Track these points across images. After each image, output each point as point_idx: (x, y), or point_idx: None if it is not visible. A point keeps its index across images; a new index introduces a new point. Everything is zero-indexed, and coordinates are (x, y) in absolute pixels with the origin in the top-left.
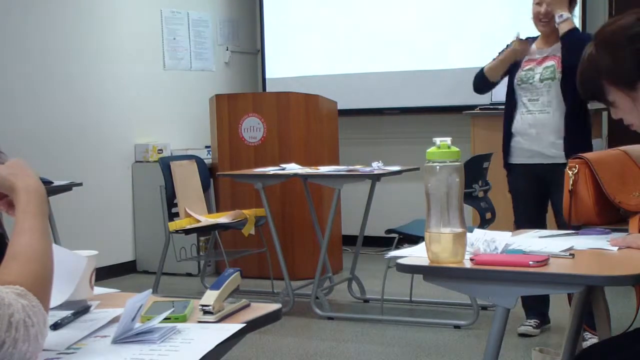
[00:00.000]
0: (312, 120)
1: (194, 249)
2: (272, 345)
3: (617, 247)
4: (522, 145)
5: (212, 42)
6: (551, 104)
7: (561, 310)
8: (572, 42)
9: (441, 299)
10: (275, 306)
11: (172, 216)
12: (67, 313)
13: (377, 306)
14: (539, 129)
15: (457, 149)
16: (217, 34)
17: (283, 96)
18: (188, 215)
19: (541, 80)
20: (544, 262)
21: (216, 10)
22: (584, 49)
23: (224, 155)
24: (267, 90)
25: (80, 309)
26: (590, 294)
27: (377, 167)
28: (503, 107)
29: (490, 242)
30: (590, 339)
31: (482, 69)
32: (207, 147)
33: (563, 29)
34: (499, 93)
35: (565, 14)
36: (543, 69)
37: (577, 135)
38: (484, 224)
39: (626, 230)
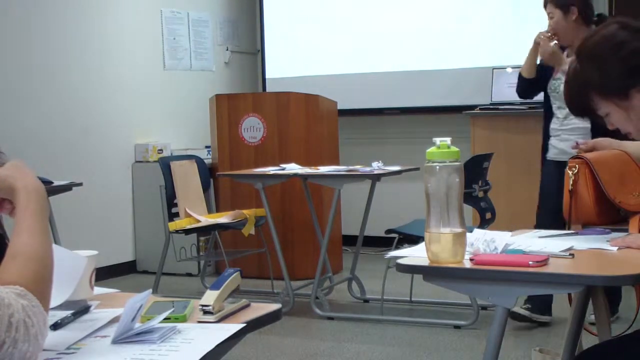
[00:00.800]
0: (312, 120)
1: (194, 249)
2: (272, 345)
3: (617, 247)
4: (553, 144)
5: (212, 42)
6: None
7: (561, 310)
8: None
9: (441, 299)
10: (275, 306)
11: (172, 216)
12: (67, 313)
13: (377, 306)
14: (567, 132)
15: (457, 149)
16: (217, 34)
17: (283, 96)
18: (188, 215)
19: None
20: (544, 262)
21: (216, 10)
22: None
23: (224, 155)
24: (267, 90)
25: (80, 309)
26: (590, 294)
27: (377, 167)
28: (503, 107)
29: (490, 242)
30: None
31: (519, 73)
32: (207, 147)
33: None
34: (499, 93)
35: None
36: None
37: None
38: (484, 224)
39: (626, 230)
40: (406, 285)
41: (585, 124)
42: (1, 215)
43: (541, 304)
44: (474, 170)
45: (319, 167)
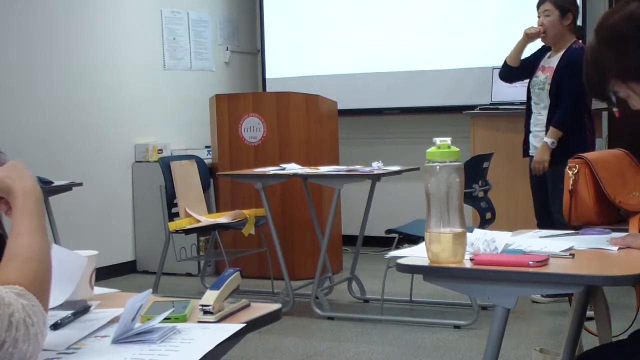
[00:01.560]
0: (312, 120)
1: (194, 249)
2: (272, 345)
3: (617, 247)
4: (531, 141)
5: (212, 42)
6: (546, 109)
7: (561, 310)
8: (568, 63)
9: (441, 299)
10: (275, 306)
11: (172, 216)
12: (67, 313)
13: (377, 306)
14: (537, 127)
15: (457, 149)
16: (217, 34)
17: (283, 96)
18: (188, 215)
19: (539, 88)
20: (544, 262)
21: (216, 10)
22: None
23: (224, 155)
24: (267, 90)
25: (80, 309)
26: (590, 294)
27: (377, 167)
28: (503, 107)
29: (490, 242)
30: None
31: (504, 61)
32: (207, 147)
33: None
34: (499, 93)
35: (550, 140)
36: (544, 78)
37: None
38: (484, 224)
39: (626, 230)
40: (406, 285)
41: (543, 118)
42: (1, 216)
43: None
44: (474, 170)
45: (319, 167)
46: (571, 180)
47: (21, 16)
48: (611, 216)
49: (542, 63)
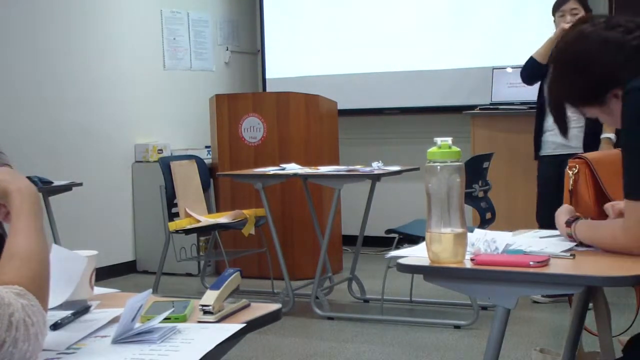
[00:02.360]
0: (312, 120)
1: (194, 249)
2: (272, 345)
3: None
4: (549, 139)
5: (212, 42)
6: None
7: (561, 310)
8: None
9: (441, 299)
10: (275, 306)
11: (172, 216)
12: (67, 313)
13: (377, 306)
14: (574, 124)
15: (458, 149)
16: (217, 34)
17: (283, 96)
18: (188, 215)
19: None
20: (545, 262)
21: (216, 10)
22: None
23: (224, 155)
24: (267, 90)
25: (80, 309)
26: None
27: (377, 167)
28: (503, 107)
29: (490, 242)
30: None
31: (531, 56)
32: (207, 147)
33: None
34: (499, 93)
35: (612, 134)
36: None
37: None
38: (484, 224)
39: None
40: (406, 285)
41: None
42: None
43: None
44: (474, 170)
45: (319, 167)
46: (571, 180)
47: (21, 16)
48: None
49: None
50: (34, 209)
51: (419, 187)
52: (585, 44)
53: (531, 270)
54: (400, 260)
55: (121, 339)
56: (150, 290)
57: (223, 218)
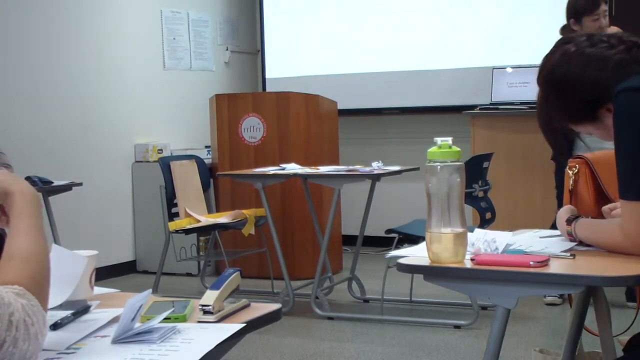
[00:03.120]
0: (312, 120)
1: (194, 249)
2: (272, 345)
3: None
4: (590, 144)
5: (212, 42)
6: None
7: (561, 310)
8: None
9: (441, 299)
10: (275, 306)
11: (172, 216)
12: (67, 313)
13: (377, 306)
14: None
15: (458, 149)
16: (217, 34)
17: (283, 96)
18: (188, 215)
19: None
20: (545, 262)
21: (216, 10)
22: None
23: (224, 155)
24: (267, 90)
25: (80, 309)
26: (590, 294)
27: (377, 167)
28: (503, 107)
29: (490, 242)
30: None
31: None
32: (207, 147)
33: None
34: (499, 93)
35: None
36: None
37: None
38: (484, 224)
39: None
40: (406, 285)
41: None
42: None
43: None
44: (474, 170)
45: (319, 167)
46: (571, 180)
47: (21, 16)
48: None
49: None
50: (35, 210)
51: (419, 187)
52: (571, 64)
53: (531, 270)
54: (400, 260)
55: (121, 339)
56: (150, 290)
57: (223, 218)
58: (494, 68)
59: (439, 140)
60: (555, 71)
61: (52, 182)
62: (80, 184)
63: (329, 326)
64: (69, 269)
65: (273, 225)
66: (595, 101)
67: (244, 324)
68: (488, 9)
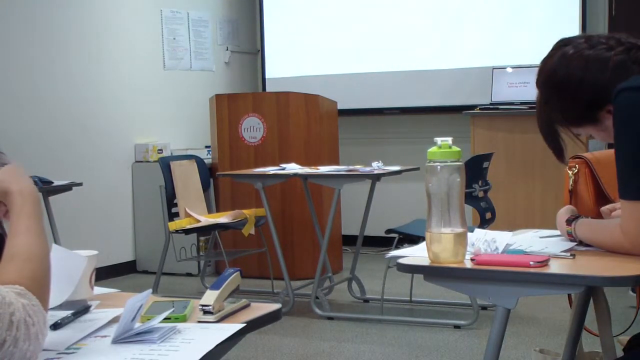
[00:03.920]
0: (312, 120)
1: (194, 249)
2: (272, 345)
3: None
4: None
5: (212, 42)
6: None
7: (561, 310)
8: None
9: (441, 299)
10: (275, 306)
11: (172, 216)
12: (67, 313)
13: (377, 306)
14: None
15: (459, 149)
16: (217, 34)
17: (283, 96)
18: (188, 215)
19: None
20: (545, 262)
21: (216, 10)
22: None
23: (224, 155)
24: (267, 90)
25: (80, 309)
26: (590, 294)
27: (377, 167)
28: (503, 107)
29: (490, 242)
30: None
31: None
32: (207, 147)
33: None
34: (499, 93)
35: None
36: None
37: None
38: (484, 224)
39: None
40: (406, 285)
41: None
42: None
43: None
44: (474, 170)
45: (319, 167)
46: (571, 180)
47: (21, 16)
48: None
49: None
50: (35, 210)
51: (419, 187)
52: (570, 67)
53: (531, 270)
54: (400, 260)
55: (121, 339)
56: (150, 290)
57: (223, 218)
58: (494, 68)
59: (439, 140)
60: (554, 73)
61: (52, 182)
62: (80, 184)
63: (329, 326)
64: (69, 269)
65: (273, 225)
66: (595, 103)
67: (244, 324)
68: (488, 9)
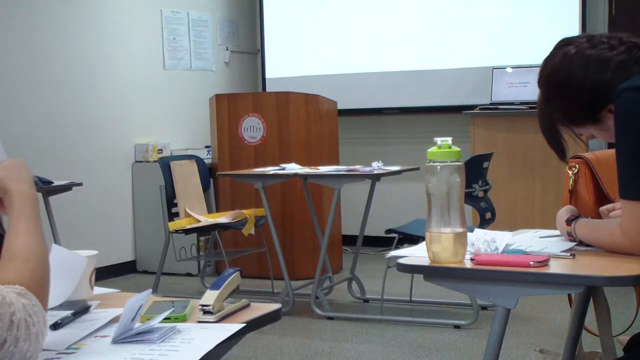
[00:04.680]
0: (312, 120)
1: (194, 249)
2: (272, 345)
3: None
4: None
5: (212, 42)
6: None
7: (561, 310)
8: None
9: (441, 299)
10: (275, 306)
11: (172, 216)
12: (67, 313)
13: (377, 306)
14: None
15: (458, 149)
16: (217, 34)
17: (283, 96)
18: (188, 215)
19: None
20: (545, 262)
21: (216, 10)
22: None
23: (224, 155)
24: (267, 90)
25: (80, 309)
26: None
27: (377, 167)
28: (503, 107)
29: (490, 242)
30: None
31: None
32: (207, 147)
33: None
34: (499, 93)
35: None
36: None
37: None
38: (484, 224)
39: None
40: (406, 285)
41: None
42: (1, 216)
43: None
44: (474, 170)
45: (319, 167)
46: (571, 180)
47: (21, 16)
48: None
49: None
50: (34, 211)
51: (419, 187)
52: (572, 66)
53: (531, 270)
54: (400, 260)
55: (121, 339)
56: (150, 290)
57: (223, 218)
58: (494, 68)
59: (439, 140)
60: (556, 73)
61: (52, 182)
62: (80, 184)
63: (329, 326)
64: (69, 269)
65: (273, 225)
66: (597, 103)
67: (244, 324)
68: (488, 10)
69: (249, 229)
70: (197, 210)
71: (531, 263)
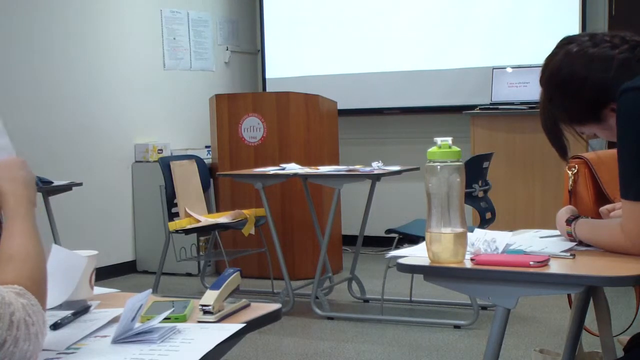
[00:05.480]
0: (312, 120)
1: (194, 249)
2: (272, 345)
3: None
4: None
5: (212, 42)
6: None
7: (561, 310)
8: None
9: (441, 299)
10: (275, 306)
11: (172, 216)
12: (67, 313)
13: (377, 306)
14: None
15: (458, 149)
16: (217, 34)
17: (283, 96)
18: (188, 215)
19: None
20: (545, 262)
21: (216, 10)
22: None
23: (224, 155)
24: (267, 90)
25: (80, 309)
26: (590, 294)
27: (377, 167)
28: (503, 107)
29: (490, 242)
30: None
31: None
32: (207, 147)
33: None
34: (499, 93)
35: None
36: None
37: None
38: (484, 224)
39: None
40: (406, 285)
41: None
42: (1, 216)
43: None
44: (474, 170)
45: (319, 167)
46: (571, 180)
47: (22, 16)
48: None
49: None
50: (29, 211)
51: (419, 187)
52: (574, 65)
53: (531, 270)
54: (401, 260)
55: (121, 339)
56: (150, 290)
57: (223, 218)
58: (494, 68)
59: (439, 140)
60: (558, 71)
61: (52, 182)
62: (80, 184)
63: (329, 326)
64: (69, 269)
65: (273, 225)
66: (599, 101)
67: (244, 324)
68: (488, 9)
69: (249, 229)
70: (197, 210)
71: (531, 263)
